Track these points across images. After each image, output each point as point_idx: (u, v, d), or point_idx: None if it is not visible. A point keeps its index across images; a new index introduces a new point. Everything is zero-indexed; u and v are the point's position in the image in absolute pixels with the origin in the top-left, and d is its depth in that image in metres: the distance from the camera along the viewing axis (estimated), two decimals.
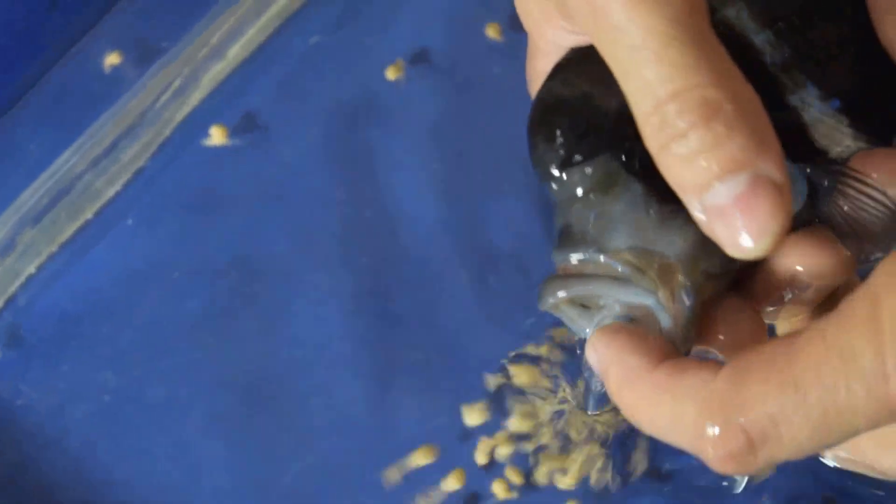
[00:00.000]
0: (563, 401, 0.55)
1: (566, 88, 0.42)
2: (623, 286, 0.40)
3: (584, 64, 0.42)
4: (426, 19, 0.60)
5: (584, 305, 0.42)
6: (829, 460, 0.48)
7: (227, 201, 0.58)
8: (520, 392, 0.55)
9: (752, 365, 0.38)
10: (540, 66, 0.45)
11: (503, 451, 0.54)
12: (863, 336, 0.36)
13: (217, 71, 0.60)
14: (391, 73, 0.59)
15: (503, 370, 0.55)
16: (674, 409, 0.39)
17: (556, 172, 0.41)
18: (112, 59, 0.60)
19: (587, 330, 0.41)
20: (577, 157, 0.41)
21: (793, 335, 0.38)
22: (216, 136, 0.59)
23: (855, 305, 0.37)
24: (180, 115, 0.59)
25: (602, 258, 0.41)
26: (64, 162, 0.58)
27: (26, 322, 0.57)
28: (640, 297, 0.40)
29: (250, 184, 0.59)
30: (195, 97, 0.59)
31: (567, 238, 0.41)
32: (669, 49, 0.38)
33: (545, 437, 0.54)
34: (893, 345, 0.36)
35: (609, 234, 0.41)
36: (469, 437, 0.55)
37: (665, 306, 0.40)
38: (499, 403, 0.55)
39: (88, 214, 0.58)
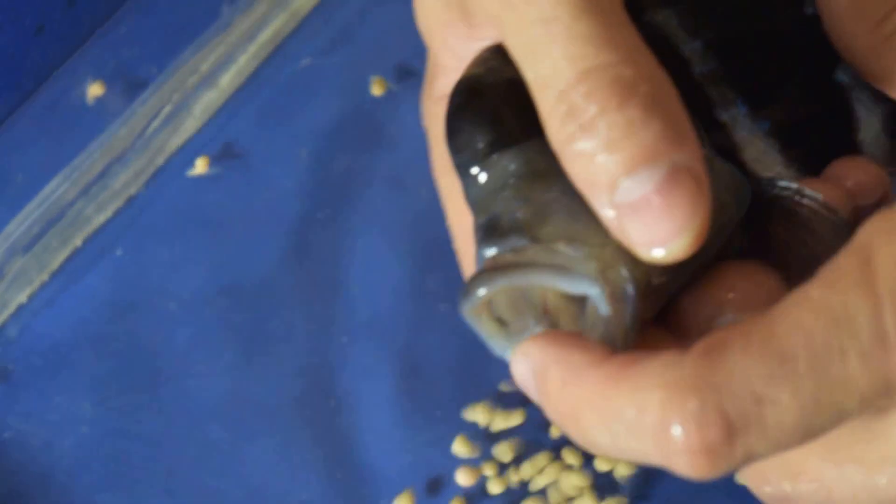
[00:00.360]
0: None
1: (490, 75, 0.38)
2: (564, 275, 0.35)
3: (505, 55, 0.38)
4: (416, 42, 0.59)
5: (501, 321, 0.37)
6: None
7: (216, 228, 0.58)
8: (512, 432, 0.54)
9: (728, 338, 0.32)
10: (440, 86, 0.42)
11: (493, 488, 0.53)
12: (856, 294, 0.32)
13: (205, 98, 0.59)
14: (379, 93, 0.59)
15: (496, 404, 0.54)
16: (634, 399, 0.33)
17: (483, 157, 0.37)
18: (98, 87, 0.59)
19: (506, 348, 0.36)
20: (508, 141, 0.37)
21: (767, 309, 0.33)
22: (204, 164, 0.58)
23: (842, 264, 0.32)
24: (169, 142, 0.59)
25: (537, 247, 0.36)
26: (52, 189, 0.58)
27: (15, 353, 0.56)
28: (582, 287, 0.35)
29: (239, 210, 0.58)
30: (184, 125, 0.59)
31: (494, 229, 0.36)
32: (580, 22, 0.34)
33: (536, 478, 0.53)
34: (892, 300, 0.32)
35: (543, 222, 0.36)
36: (458, 466, 0.53)
37: (607, 300, 0.35)
38: (489, 439, 0.54)
39: (78, 243, 0.57)
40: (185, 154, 0.59)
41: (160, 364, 0.56)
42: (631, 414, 0.33)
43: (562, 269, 0.35)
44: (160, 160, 0.59)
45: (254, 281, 0.57)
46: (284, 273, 0.57)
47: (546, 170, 0.36)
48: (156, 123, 0.59)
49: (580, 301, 0.36)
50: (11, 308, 0.57)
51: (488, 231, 0.36)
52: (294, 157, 0.59)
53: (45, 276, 0.57)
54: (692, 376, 0.32)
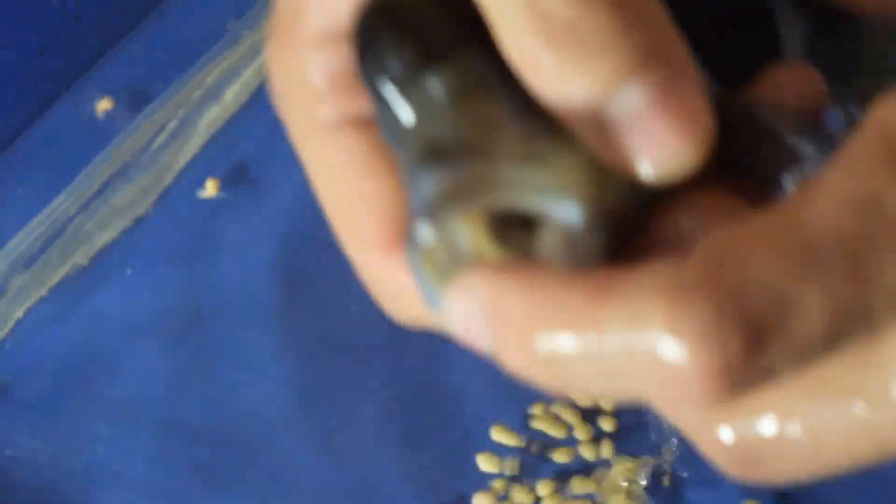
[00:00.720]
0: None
1: None
2: (537, 193, 0.30)
3: None
4: None
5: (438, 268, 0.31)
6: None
7: (225, 249, 0.57)
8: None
9: (740, 234, 0.27)
10: (313, 21, 0.33)
11: None
12: (881, 174, 0.27)
13: (211, 117, 0.59)
14: None
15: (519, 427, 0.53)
16: (629, 315, 0.26)
17: (411, 77, 0.31)
18: (104, 104, 0.59)
19: (438, 295, 0.30)
20: (438, 54, 0.31)
21: (776, 204, 0.28)
22: (211, 187, 0.58)
23: (857, 146, 0.28)
24: (175, 160, 0.59)
25: (494, 167, 0.30)
26: (56, 206, 0.57)
27: (17, 370, 0.55)
28: (560, 206, 0.30)
29: (246, 232, 0.58)
30: (190, 144, 0.59)
31: (435, 155, 0.30)
32: None
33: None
34: None
35: (495, 140, 0.30)
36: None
37: (580, 223, 0.30)
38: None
39: (81, 260, 0.57)
40: (194, 175, 0.59)
41: (162, 384, 0.55)
42: (627, 335, 0.27)
43: (534, 187, 0.30)
44: (168, 179, 0.58)
45: (264, 301, 0.56)
46: (293, 294, 0.57)
47: (489, 84, 0.31)
48: (161, 138, 0.58)
49: (522, 245, 0.31)
50: (11, 324, 0.56)
51: (428, 158, 0.31)
52: (302, 179, 0.59)
53: (44, 293, 0.57)
54: (701, 279, 0.26)
